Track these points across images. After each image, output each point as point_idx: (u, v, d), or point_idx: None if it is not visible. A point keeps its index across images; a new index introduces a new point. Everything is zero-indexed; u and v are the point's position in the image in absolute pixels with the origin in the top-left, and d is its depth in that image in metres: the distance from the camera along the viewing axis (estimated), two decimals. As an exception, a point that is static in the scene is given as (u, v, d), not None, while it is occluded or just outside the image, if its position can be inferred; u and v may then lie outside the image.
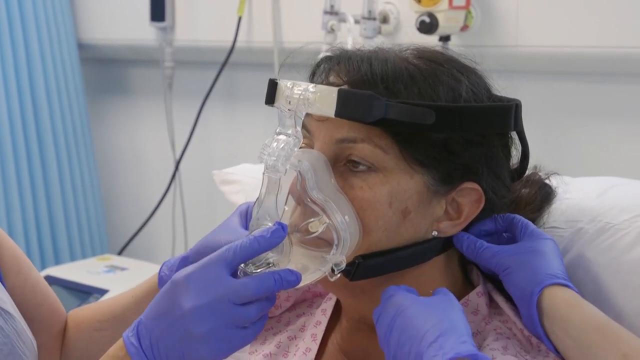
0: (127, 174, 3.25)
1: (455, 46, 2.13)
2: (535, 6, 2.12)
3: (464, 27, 2.16)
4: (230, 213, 1.68)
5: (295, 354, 1.21)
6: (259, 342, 1.25)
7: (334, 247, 1.06)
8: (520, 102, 1.14)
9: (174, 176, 2.91)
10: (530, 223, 1.16)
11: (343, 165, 1.09)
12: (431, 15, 2.08)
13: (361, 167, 1.08)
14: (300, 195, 1.08)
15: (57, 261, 2.93)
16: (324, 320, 1.24)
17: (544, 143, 2.13)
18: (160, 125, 3.00)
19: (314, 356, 1.20)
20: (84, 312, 1.34)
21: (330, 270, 1.07)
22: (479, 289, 1.17)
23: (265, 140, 1.07)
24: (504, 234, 1.18)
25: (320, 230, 1.07)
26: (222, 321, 1.00)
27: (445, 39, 2.15)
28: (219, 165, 1.82)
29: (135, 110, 3.18)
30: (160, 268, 1.23)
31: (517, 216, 1.17)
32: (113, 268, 2.72)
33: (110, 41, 3.05)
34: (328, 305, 1.26)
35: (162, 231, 3.01)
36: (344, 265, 1.07)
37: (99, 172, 3.17)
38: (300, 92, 1.06)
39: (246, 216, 1.21)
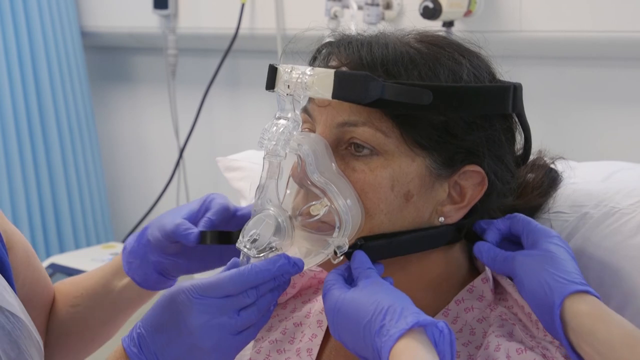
0: (131, 162, 3.25)
1: (458, 31, 2.12)
2: (539, -9, 2.12)
3: (468, 13, 2.15)
4: (234, 200, 1.69)
5: (301, 340, 1.21)
6: (265, 329, 1.25)
7: (336, 229, 1.06)
8: (520, 84, 1.13)
9: (177, 164, 2.92)
10: (531, 221, 1.14)
11: (344, 149, 1.09)
12: (434, 1, 2.07)
13: (364, 151, 1.08)
14: (301, 179, 1.08)
15: (62, 249, 2.94)
16: None
17: (547, 128, 2.13)
18: (163, 112, 3.00)
19: (320, 342, 1.20)
20: (64, 287, 1.35)
21: (332, 252, 1.08)
22: (484, 275, 1.16)
23: (265, 125, 1.08)
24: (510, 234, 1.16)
25: (321, 213, 1.07)
26: (227, 332, 1.03)
27: (448, 24, 2.15)
28: (223, 152, 1.82)
29: (138, 98, 3.18)
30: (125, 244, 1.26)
31: (518, 216, 1.15)
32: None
33: (114, 29, 3.04)
34: None
35: (167, 219, 3.01)
36: (346, 248, 1.07)
37: (102, 160, 3.17)
38: (298, 75, 1.06)
39: (203, 203, 1.22)
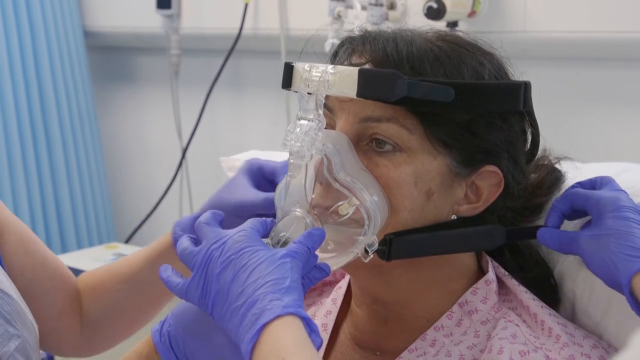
0: (134, 162, 3.25)
1: (462, 32, 2.12)
2: (543, -9, 2.11)
3: (472, 13, 2.15)
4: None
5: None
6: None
7: (365, 226, 1.05)
8: (529, 82, 1.13)
9: (180, 164, 2.91)
10: (593, 194, 1.13)
11: (366, 145, 1.08)
12: (438, 1, 2.07)
13: (386, 147, 1.06)
14: (327, 178, 1.06)
15: (64, 249, 2.94)
16: (335, 310, 1.23)
17: (552, 128, 2.11)
18: (166, 113, 2.99)
19: (325, 346, 1.19)
20: (97, 277, 1.37)
21: (363, 251, 1.06)
22: (488, 276, 1.16)
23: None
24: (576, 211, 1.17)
25: (350, 212, 1.05)
26: None
27: (452, 24, 2.14)
28: (226, 152, 1.81)
29: (141, 98, 3.18)
30: (173, 228, 1.24)
31: (577, 191, 1.15)
32: (120, 256, 2.72)
33: (117, 29, 3.04)
34: (338, 294, 1.25)
35: (169, 219, 3.01)
36: (376, 245, 1.06)
37: (105, 160, 3.17)
38: (319, 74, 1.04)
39: (250, 174, 1.21)
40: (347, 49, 1.12)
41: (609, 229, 1.07)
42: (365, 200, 1.04)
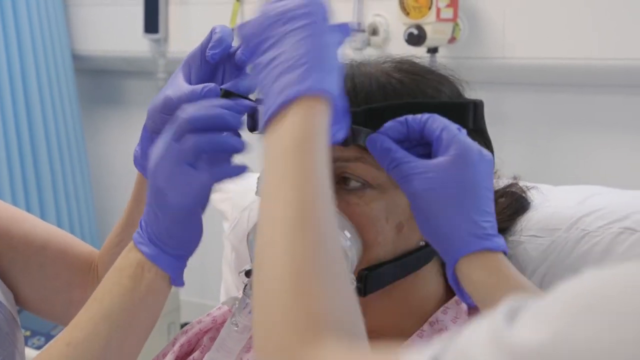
0: (121, 185, 3.26)
1: (443, 58, 2.15)
2: (522, 19, 2.15)
3: (452, 39, 2.18)
4: (217, 221, 1.70)
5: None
6: (244, 350, 1.22)
7: None
8: (481, 101, 1.10)
9: (166, 186, 2.93)
10: (451, 133, 0.99)
11: (336, 184, 1.06)
12: (419, 28, 2.10)
13: (356, 185, 1.06)
14: None
15: (51, 271, 2.93)
16: None
17: (528, 151, 2.15)
18: (153, 136, 3.01)
19: None
20: (107, 241, 1.35)
21: None
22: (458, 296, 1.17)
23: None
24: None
25: None
26: (170, 159, 0.98)
27: (433, 50, 2.17)
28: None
29: (129, 121, 3.20)
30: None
31: (434, 118, 1.01)
32: (105, 277, 2.73)
33: (105, 52, 3.07)
34: None
35: (155, 241, 3.02)
36: (355, 282, 1.05)
37: (92, 183, 3.18)
38: None
39: (189, 66, 1.13)
40: None
41: (453, 181, 0.95)
42: (341, 240, 1.03)
